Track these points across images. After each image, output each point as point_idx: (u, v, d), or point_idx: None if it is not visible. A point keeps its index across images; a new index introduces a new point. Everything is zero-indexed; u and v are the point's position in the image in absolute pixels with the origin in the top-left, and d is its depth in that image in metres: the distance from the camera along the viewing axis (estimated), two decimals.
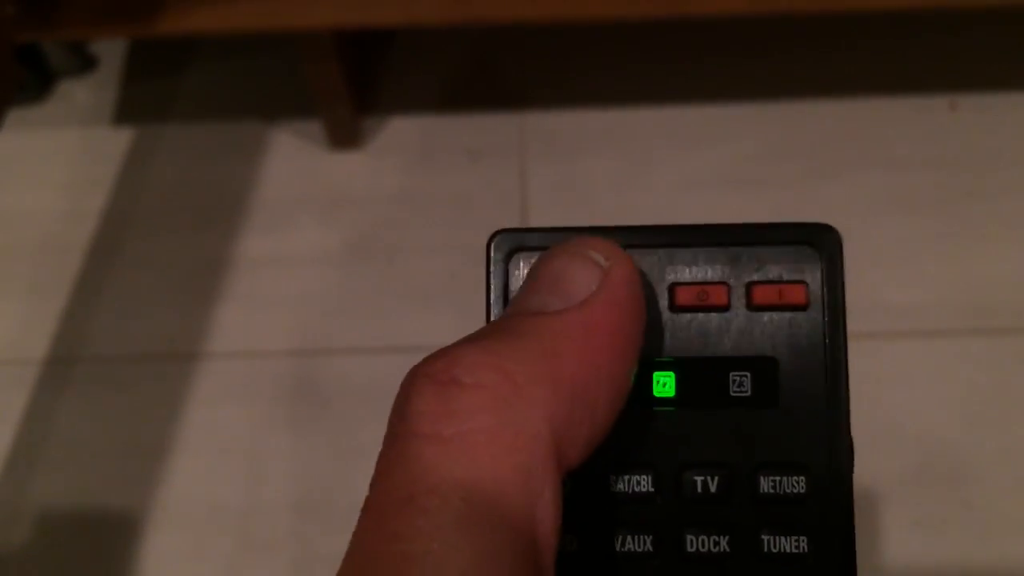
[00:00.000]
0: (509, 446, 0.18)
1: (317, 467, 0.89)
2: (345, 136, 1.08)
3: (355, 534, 0.18)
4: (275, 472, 0.89)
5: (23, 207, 1.07)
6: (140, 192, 1.08)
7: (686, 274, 0.23)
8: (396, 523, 0.17)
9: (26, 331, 0.98)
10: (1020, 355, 0.92)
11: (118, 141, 1.11)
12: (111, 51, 1.19)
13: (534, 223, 1.01)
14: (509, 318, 0.20)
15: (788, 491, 0.22)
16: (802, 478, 0.22)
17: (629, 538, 0.22)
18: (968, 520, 0.83)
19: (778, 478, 0.22)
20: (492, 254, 0.23)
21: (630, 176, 1.05)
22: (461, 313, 0.96)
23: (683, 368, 0.22)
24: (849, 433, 0.22)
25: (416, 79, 1.15)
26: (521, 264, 0.23)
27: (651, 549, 0.22)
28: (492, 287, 0.23)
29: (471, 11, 0.91)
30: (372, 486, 0.18)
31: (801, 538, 0.22)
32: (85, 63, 1.17)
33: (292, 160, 1.09)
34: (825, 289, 0.23)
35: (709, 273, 0.23)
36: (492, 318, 0.23)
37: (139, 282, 1.01)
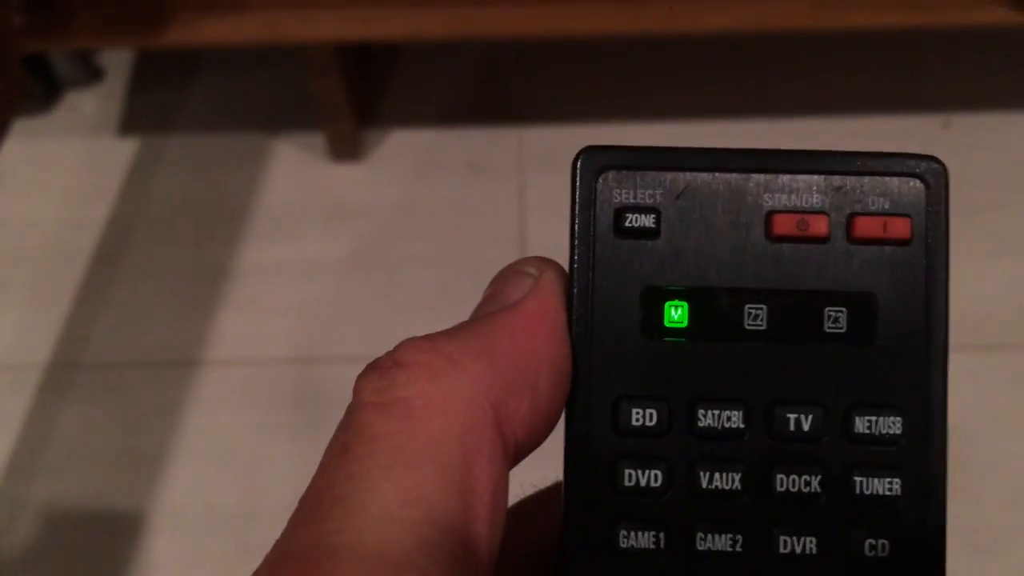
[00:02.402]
0: (444, 407, 0.19)
1: None
2: (347, 148, 1.10)
3: (306, 490, 0.20)
4: (274, 479, 0.90)
5: (28, 215, 1.09)
6: (144, 201, 1.09)
7: (784, 202, 0.22)
8: (332, 473, 0.19)
9: (29, 336, 0.99)
10: (1008, 371, 0.93)
11: (123, 151, 1.13)
12: (117, 62, 1.20)
13: (532, 236, 1.03)
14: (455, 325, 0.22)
15: (884, 432, 0.21)
16: (898, 419, 0.21)
17: (717, 475, 0.21)
18: (959, 537, 0.83)
19: (874, 418, 0.21)
20: (578, 170, 0.22)
21: None
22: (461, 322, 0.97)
23: (776, 300, 0.21)
24: (946, 375, 0.21)
25: (417, 93, 1.16)
26: (609, 181, 0.22)
27: (739, 487, 0.21)
28: (576, 204, 0.22)
29: (473, 26, 0.92)
30: (325, 450, 0.20)
31: (894, 480, 0.21)
32: (92, 74, 1.19)
33: (294, 171, 1.10)
34: (929, 224, 0.22)
35: (809, 202, 0.22)
36: (576, 236, 0.22)
37: (141, 290, 1.02)
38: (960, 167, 1.07)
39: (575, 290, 0.22)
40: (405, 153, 1.11)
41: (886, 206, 0.22)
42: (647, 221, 0.22)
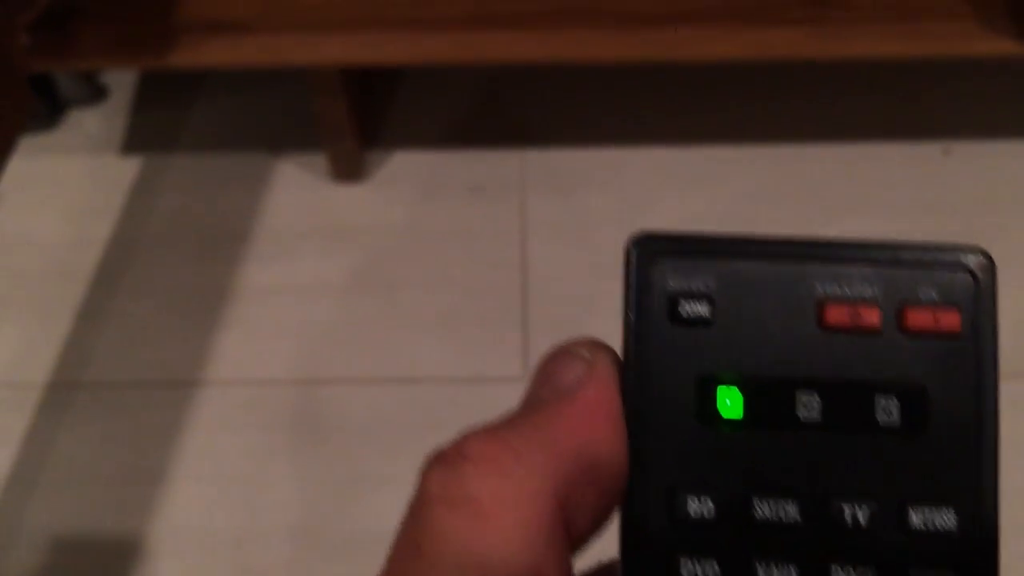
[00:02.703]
0: (512, 503, 0.20)
1: (315, 496, 0.90)
2: (349, 169, 1.10)
3: None
4: (273, 500, 0.90)
5: (30, 232, 1.09)
6: (146, 220, 1.09)
7: (836, 292, 0.22)
8: (400, 570, 0.19)
9: (28, 355, 0.99)
10: (1009, 400, 0.93)
11: (126, 170, 1.13)
12: (121, 81, 1.21)
13: (533, 258, 1.03)
14: (512, 411, 0.22)
15: (938, 526, 0.21)
16: (952, 512, 0.21)
17: (773, 567, 0.21)
18: None
19: (929, 511, 0.21)
20: (632, 257, 0.22)
21: (628, 214, 1.07)
22: (461, 345, 0.97)
23: (829, 390, 0.22)
24: (997, 469, 0.22)
25: (420, 114, 1.17)
26: (663, 268, 0.22)
27: None
28: (630, 291, 0.22)
29: (476, 51, 0.93)
30: (391, 544, 0.20)
31: (949, 575, 0.21)
32: (95, 92, 1.19)
33: (296, 192, 1.11)
34: (979, 317, 0.22)
35: (861, 292, 0.22)
36: (631, 323, 0.22)
37: (142, 309, 1.02)
38: (960, 194, 1.08)
39: (630, 377, 0.22)
40: (407, 174, 1.11)
41: (936, 298, 0.22)
42: (701, 309, 0.22)
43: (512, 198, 1.08)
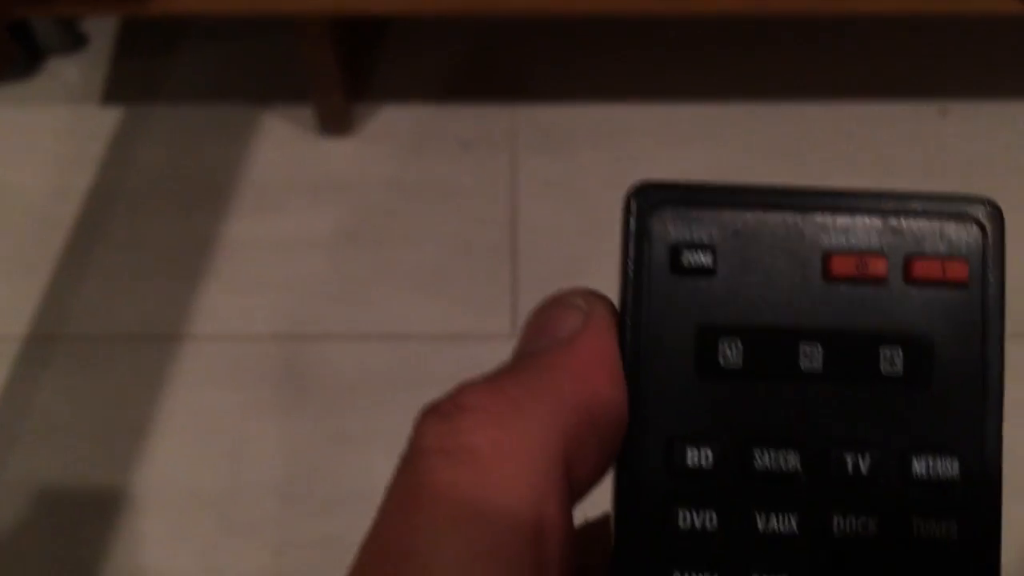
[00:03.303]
0: (513, 453, 0.19)
1: (300, 452, 0.89)
2: (336, 122, 1.08)
3: (365, 536, 0.19)
4: (258, 456, 0.89)
5: (8, 183, 1.07)
6: (127, 171, 1.07)
7: (842, 242, 0.22)
8: (399, 524, 0.19)
9: (8, 307, 0.98)
10: (1007, 363, 0.93)
11: (106, 120, 1.10)
12: (101, 29, 1.18)
13: (523, 215, 1.02)
14: (508, 363, 0.21)
15: (941, 475, 0.21)
16: (955, 462, 0.21)
17: (773, 517, 0.21)
18: None
19: (931, 460, 0.21)
20: (632, 208, 0.22)
21: (620, 171, 1.06)
22: (449, 301, 0.96)
23: (832, 341, 0.21)
24: (1001, 419, 0.21)
25: (410, 67, 1.15)
26: (665, 218, 0.22)
27: (796, 530, 0.21)
28: (630, 240, 0.22)
29: (468, 3, 0.91)
30: (383, 498, 0.19)
31: (951, 524, 0.21)
32: (75, 40, 1.16)
33: (282, 144, 1.09)
34: (986, 268, 0.22)
35: (867, 242, 0.22)
36: (629, 273, 0.22)
37: (124, 261, 1.01)
38: (956, 154, 1.06)
39: (628, 327, 0.21)
40: (396, 128, 1.09)
41: (943, 249, 0.22)
42: (704, 259, 0.22)
43: (503, 154, 1.07)
